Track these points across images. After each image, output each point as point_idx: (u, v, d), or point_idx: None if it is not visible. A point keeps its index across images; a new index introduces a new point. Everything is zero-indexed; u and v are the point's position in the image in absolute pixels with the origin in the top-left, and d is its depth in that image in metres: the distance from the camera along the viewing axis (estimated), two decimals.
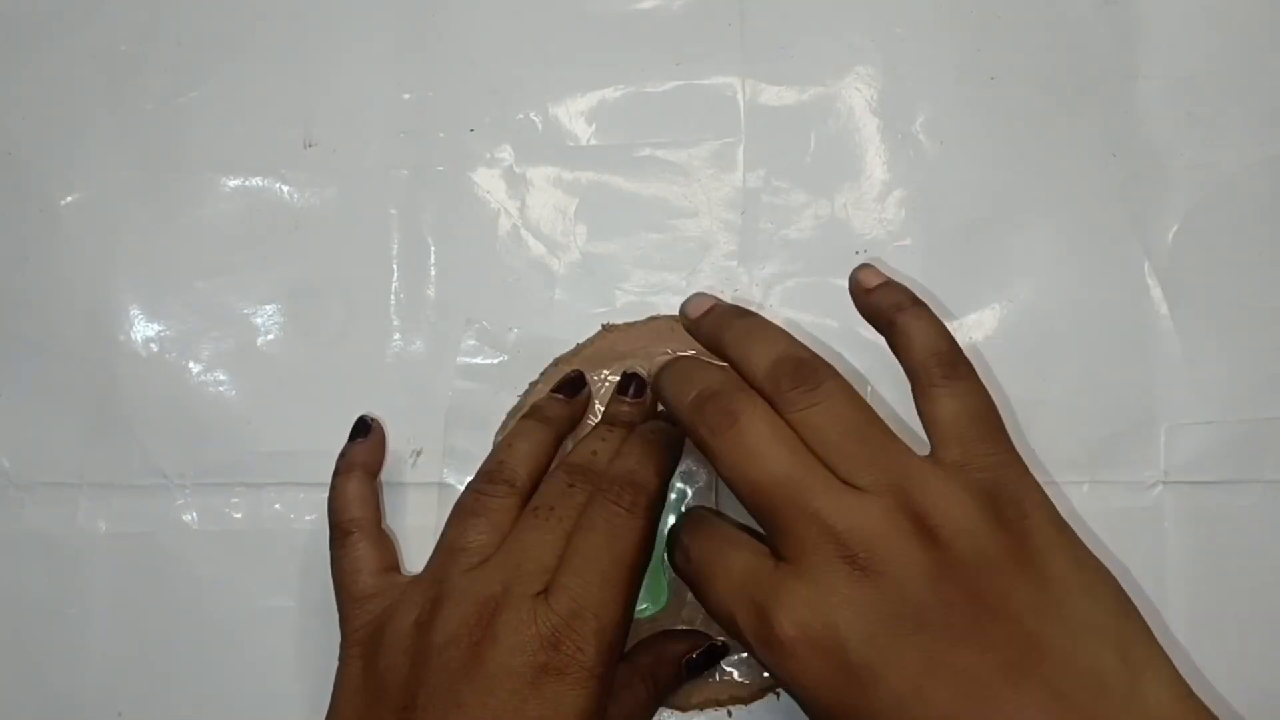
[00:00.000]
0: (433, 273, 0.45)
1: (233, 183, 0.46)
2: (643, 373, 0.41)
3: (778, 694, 0.41)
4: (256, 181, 0.46)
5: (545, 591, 0.34)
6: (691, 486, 0.42)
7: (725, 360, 0.35)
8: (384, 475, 0.42)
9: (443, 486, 0.43)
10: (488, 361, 0.44)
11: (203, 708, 0.43)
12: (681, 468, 0.40)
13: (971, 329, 0.43)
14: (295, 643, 0.43)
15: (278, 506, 0.44)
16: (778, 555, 0.32)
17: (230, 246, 0.45)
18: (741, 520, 0.35)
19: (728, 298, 0.44)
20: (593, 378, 0.42)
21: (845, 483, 0.31)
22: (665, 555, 0.39)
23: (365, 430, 0.42)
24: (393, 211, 0.45)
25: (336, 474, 0.41)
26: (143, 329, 0.45)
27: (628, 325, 0.43)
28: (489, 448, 0.42)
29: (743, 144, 0.45)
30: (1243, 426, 0.42)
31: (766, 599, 0.31)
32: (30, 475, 0.44)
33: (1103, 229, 0.43)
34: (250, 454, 0.44)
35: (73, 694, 0.43)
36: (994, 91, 0.44)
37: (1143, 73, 0.44)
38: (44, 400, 0.45)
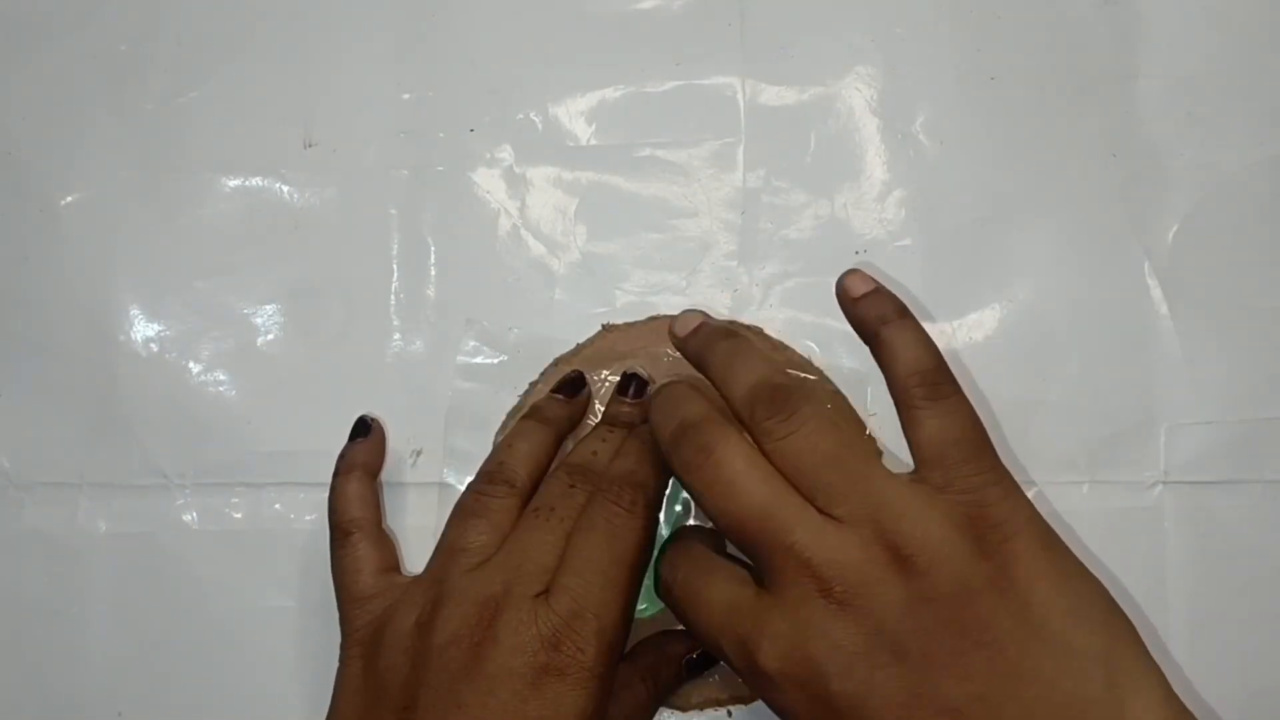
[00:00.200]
0: (433, 273, 0.45)
1: (233, 183, 0.46)
2: (643, 373, 0.41)
3: None
4: (256, 181, 0.46)
5: (546, 592, 0.34)
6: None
7: (711, 382, 0.36)
8: (384, 475, 0.42)
9: (443, 486, 0.43)
10: (488, 361, 0.44)
11: (203, 708, 0.43)
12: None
13: (971, 329, 0.43)
14: (295, 643, 0.43)
15: (278, 506, 0.44)
16: (760, 584, 0.32)
17: (230, 246, 0.45)
18: None
19: (728, 298, 0.44)
20: (592, 378, 0.42)
21: (823, 512, 0.31)
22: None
23: (365, 430, 0.42)
24: (393, 211, 0.45)
25: (336, 474, 0.41)
26: (143, 329, 0.45)
27: (628, 325, 0.43)
28: (489, 448, 0.42)
29: (743, 144, 0.45)
30: (1243, 426, 0.42)
31: (749, 631, 0.31)
32: (30, 475, 0.44)
33: (1103, 229, 0.43)
34: (250, 454, 0.44)
35: (73, 694, 0.43)
36: (994, 91, 0.44)
37: (1143, 73, 0.44)
38: (44, 400, 0.45)
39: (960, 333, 0.43)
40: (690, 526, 0.40)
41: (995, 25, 0.45)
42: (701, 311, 0.38)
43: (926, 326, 0.42)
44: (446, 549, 0.37)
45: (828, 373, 0.42)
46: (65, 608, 0.44)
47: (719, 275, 0.44)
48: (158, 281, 0.45)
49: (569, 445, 0.41)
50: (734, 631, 0.32)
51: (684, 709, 0.41)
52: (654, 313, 0.44)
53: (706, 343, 0.36)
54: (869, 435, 0.42)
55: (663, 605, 0.40)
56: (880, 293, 0.35)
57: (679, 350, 0.38)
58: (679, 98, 0.45)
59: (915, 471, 0.32)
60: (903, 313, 0.34)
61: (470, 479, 0.38)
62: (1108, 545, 0.41)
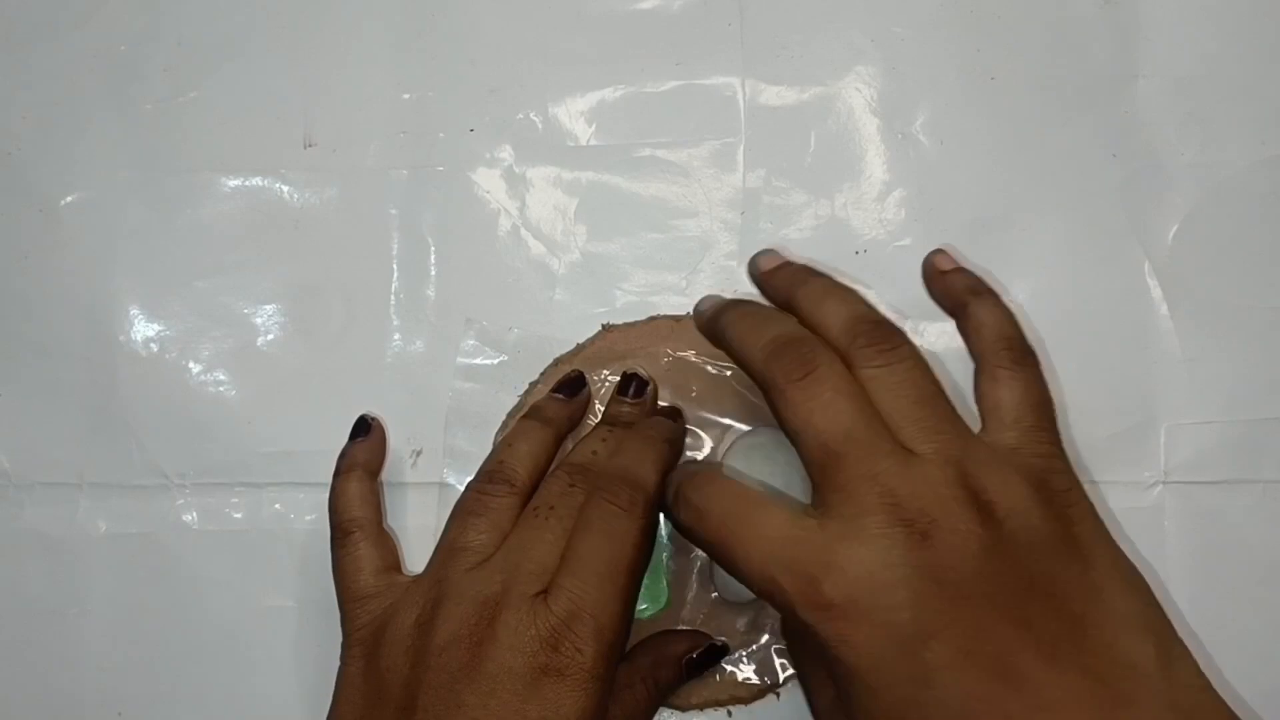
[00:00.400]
0: (433, 273, 0.45)
1: (233, 183, 0.46)
2: (642, 373, 0.41)
3: (777, 694, 0.41)
4: (256, 181, 0.46)
5: (545, 592, 0.34)
6: None
7: (797, 315, 0.35)
8: (384, 475, 0.42)
9: (443, 486, 0.43)
10: (488, 361, 0.44)
11: (203, 708, 0.43)
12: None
13: None
14: (295, 643, 0.43)
15: (278, 506, 0.44)
16: (821, 514, 0.31)
17: (230, 246, 0.45)
18: None
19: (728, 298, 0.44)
20: (592, 378, 0.42)
21: (906, 447, 0.31)
22: (665, 559, 0.39)
23: (366, 430, 0.42)
24: (393, 211, 0.45)
25: (337, 474, 0.41)
26: (143, 329, 0.45)
27: (628, 325, 0.43)
28: (489, 448, 0.42)
29: (743, 144, 0.45)
30: (1243, 426, 0.42)
31: (814, 560, 0.30)
32: (30, 475, 0.44)
33: (1103, 229, 0.43)
34: (250, 454, 0.44)
35: (73, 694, 0.43)
36: (994, 91, 0.44)
37: (1143, 73, 0.44)
38: (44, 400, 0.45)
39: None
40: (706, 462, 0.38)
41: (995, 25, 0.45)
42: (776, 251, 0.38)
43: (927, 326, 0.43)
44: (446, 548, 0.37)
45: None
46: (65, 608, 0.44)
47: (719, 275, 0.44)
48: (158, 281, 0.45)
49: (569, 446, 0.41)
50: (793, 560, 0.31)
51: (683, 709, 0.41)
52: (654, 313, 0.44)
53: (798, 278, 0.36)
54: None
55: (663, 604, 0.40)
56: (967, 270, 0.37)
57: (760, 287, 0.37)
58: (679, 98, 0.45)
59: (984, 432, 0.33)
60: (989, 289, 0.36)
61: (470, 479, 0.38)
62: None
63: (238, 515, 0.44)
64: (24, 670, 0.44)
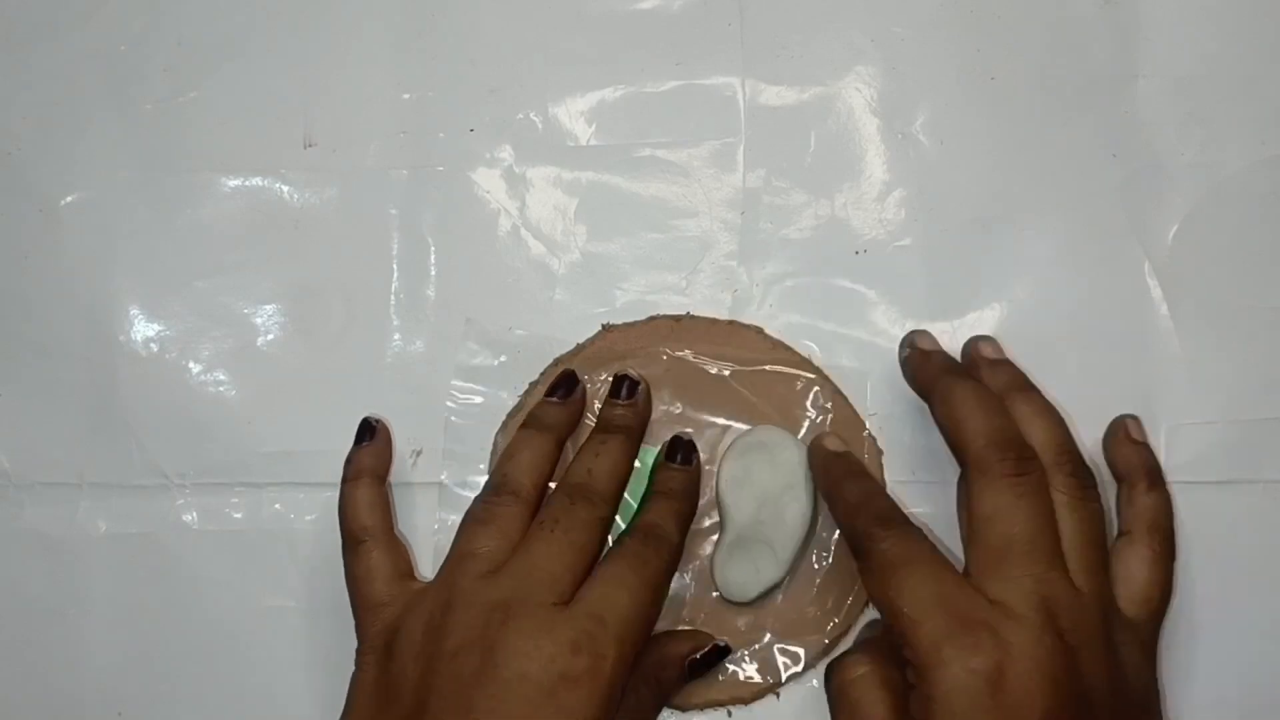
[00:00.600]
0: (433, 273, 0.45)
1: (233, 183, 0.46)
2: (633, 374, 0.41)
3: (777, 694, 0.41)
4: (256, 181, 0.46)
5: (563, 602, 0.35)
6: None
7: (1019, 412, 0.37)
8: (388, 484, 0.42)
9: (443, 487, 0.43)
10: (488, 362, 0.44)
11: (203, 708, 0.43)
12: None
13: (971, 329, 0.43)
14: (295, 643, 0.43)
15: (278, 506, 0.44)
16: (978, 584, 0.34)
17: (230, 246, 0.45)
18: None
19: (728, 298, 0.44)
20: (594, 378, 0.42)
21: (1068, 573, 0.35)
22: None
23: (370, 433, 0.42)
24: (393, 211, 0.45)
25: (345, 481, 0.41)
26: (143, 329, 0.45)
27: (627, 325, 0.43)
28: (489, 448, 0.43)
29: (743, 144, 0.45)
30: (1243, 426, 0.42)
31: (978, 618, 0.32)
32: (30, 475, 0.44)
33: (1103, 229, 0.43)
34: (250, 454, 0.44)
35: (73, 694, 0.43)
36: (994, 91, 0.44)
37: (1143, 73, 0.44)
38: (44, 400, 0.45)
39: (960, 333, 0.43)
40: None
41: (995, 25, 0.45)
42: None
43: (927, 326, 0.43)
44: (456, 555, 0.37)
45: (827, 373, 0.42)
46: (65, 608, 0.44)
47: (719, 275, 0.44)
48: (158, 281, 0.45)
49: (570, 447, 0.42)
50: (960, 610, 0.33)
51: (684, 709, 0.41)
52: (654, 313, 0.44)
53: (1018, 382, 0.39)
54: (868, 435, 0.42)
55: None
56: (1149, 449, 0.40)
57: (979, 366, 0.40)
58: (679, 98, 0.45)
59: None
60: (1161, 477, 0.39)
61: (470, 479, 0.39)
62: (1108, 545, 0.41)
63: (238, 515, 0.44)
64: (24, 670, 0.44)
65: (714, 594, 0.41)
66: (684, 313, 0.43)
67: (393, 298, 0.45)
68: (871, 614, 0.41)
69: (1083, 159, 0.44)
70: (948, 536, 0.40)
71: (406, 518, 0.43)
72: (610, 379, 0.42)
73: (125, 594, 0.44)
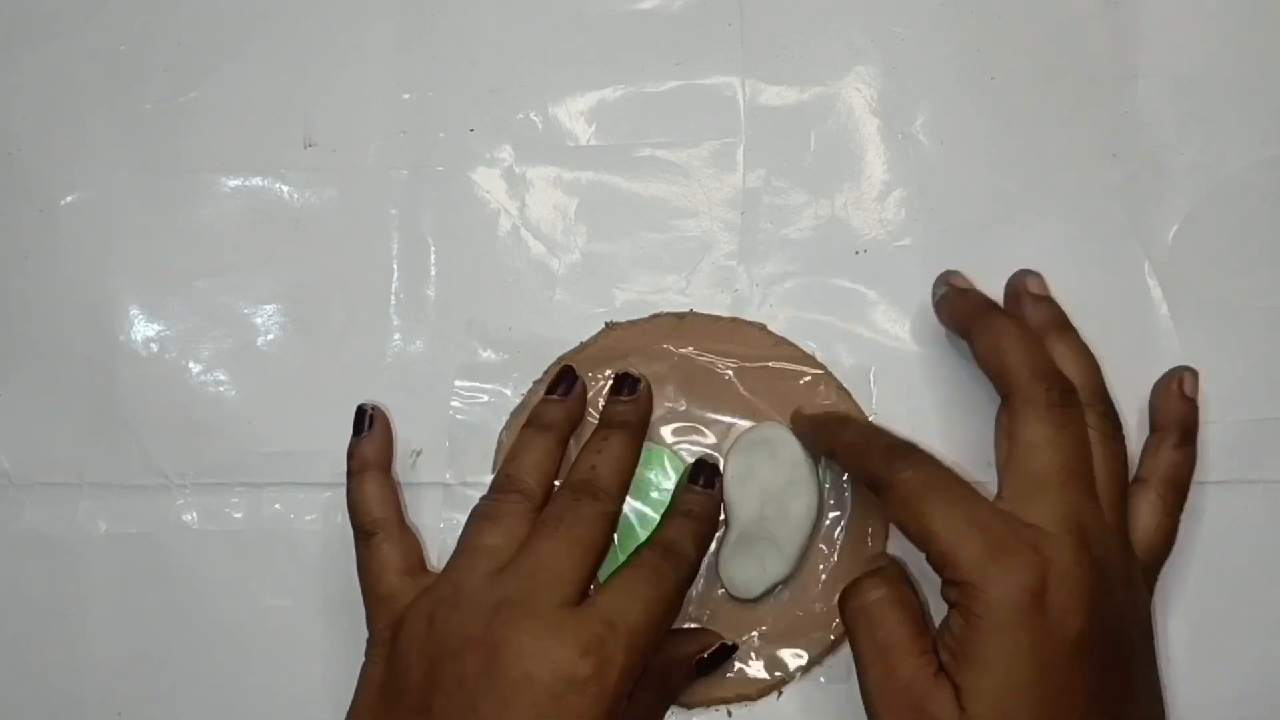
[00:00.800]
0: (433, 273, 0.45)
1: (233, 183, 0.46)
2: (634, 372, 0.41)
3: (780, 692, 0.41)
4: (256, 181, 0.46)
5: (571, 602, 0.35)
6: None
7: (1058, 354, 0.38)
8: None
9: (445, 486, 0.43)
10: (490, 361, 0.44)
11: (203, 708, 0.43)
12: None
13: None
14: (295, 643, 0.43)
15: (278, 506, 0.44)
16: (1015, 510, 0.34)
17: (230, 246, 0.45)
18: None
19: (728, 298, 0.44)
20: (599, 376, 0.42)
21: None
22: None
23: (369, 422, 0.42)
24: (393, 211, 0.45)
25: (351, 474, 0.41)
26: (143, 329, 0.45)
27: (630, 323, 0.43)
28: (491, 447, 0.43)
29: (743, 144, 0.45)
30: (1243, 426, 0.42)
31: (1012, 537, 0.33)
32: (30, 475, 0.44)
33: (1103, 229, 0.43)
34: (250, 454, 0.44)
35: (73, 694, 0.43)
36: (994, 91, 0.44)
37: (1143, 73, 0.44)
38: (44, 400, 0.45)
39: None
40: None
41: (995, 25, 0.45)
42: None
43: (927, 326, 0.43)
44: (462, 551, 0.38)
45: (830, 369, 0.42)
46: (65, 608, 0.44)
47: (719, 275, 0.44)
48: (158, 281, 0.45)
49: (573, 445, 0.42)
50: (995, 535, 0.33)
51: (688, 706, 0.41)
52: (654, 312, 0.44)
53: (1059, 322, 0.40)
54: None
55: None
56: (1195, 406, 0.40)
57: (1016, 301, 0.41)
58: (679, 98, 0.45)
59: (1129, 521, 0.37)
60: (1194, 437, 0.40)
61: (475, 478, 0.39)
62: None
63: (238, 515, 0.44)
64: (24, 670, 0.44)
65: (720, 591, 0.41)
66: (687, 310, 0.43)
67: (393, 298, 0.45)
68: None
69: (1083, 159, 0.44)
70: None
71: (406, 517, 0.43)
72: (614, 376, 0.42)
73: (125, 594, 0.44)
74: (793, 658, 0.41)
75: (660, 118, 0.45)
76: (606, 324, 0.44)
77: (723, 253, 0.44)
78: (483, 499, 0.39)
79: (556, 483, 0.40)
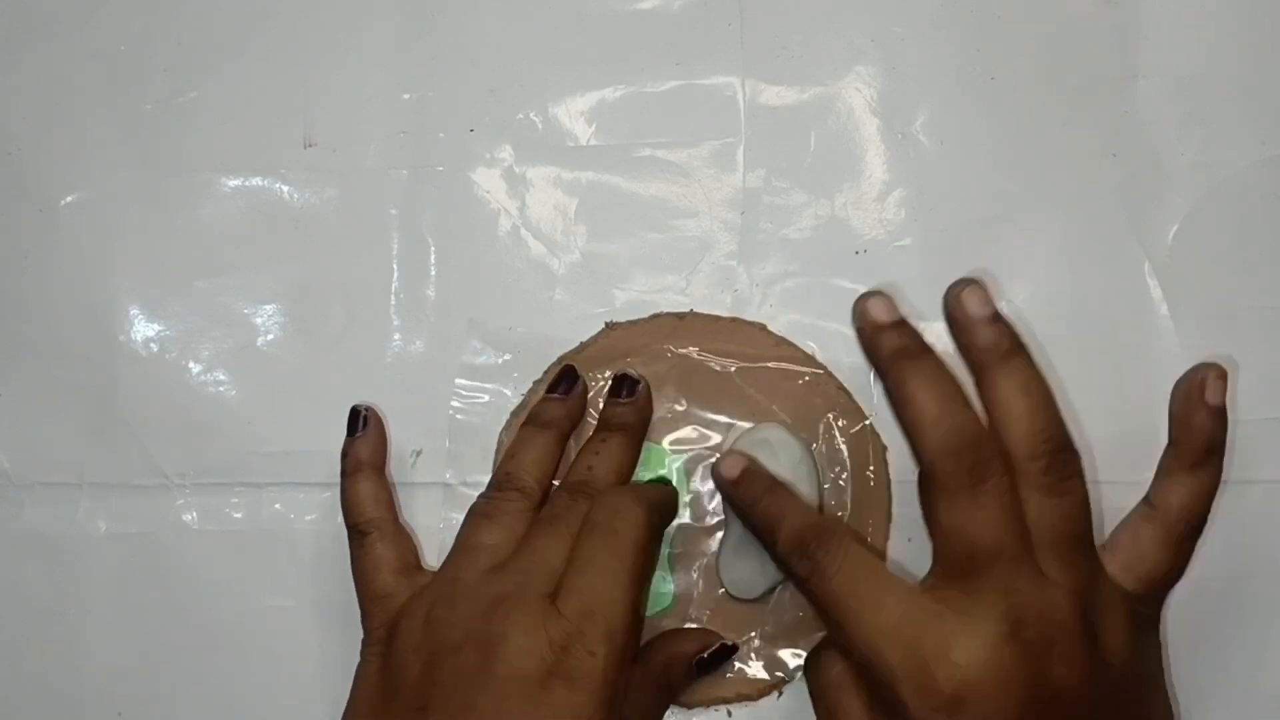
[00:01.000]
0: (433, 273, 0.45)
1: (233, 183, 0.46)
2: (634, 374, 0.41)
3: (780, 691, 0.41)
4: (256, 181, 0.46)
5: (554, 595, 0.34)
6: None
7: (981, 391, 0.35)
8: (387, 474, 0.42)
9: (445, 486, 0.43)
10: (492, 360, 0.44)
11: (203, 708, 0.43)
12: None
13: None
14: (295, 643, 0.43)
15: (278, 506, 0.44)
16: (943, 604, 0.32)
17: (230, 246, 0.45)
18: None
19: (728, 298, 0.44)
20: (598, 376, 0.42)
21: (1040, 568, 0.33)
22: (668, 557, 0.39)
23: (362, 423, 0.42)
24: (393, 211, 0.45)
25: (344, 474, 0.41)
26: (143, 329, 0.45)
27: (630, 323, 0.43)
28: (491, 447, 0.43)
29: (743, 144, 0.45)
30: (1243, 426, 0.42)
31: (931, 647, 0.32)
32: (30, 475, 0.44)
33: (1103, 229, 0.43)
34: (250, 454, 0.44)
35: (73, 694, 0.43)
36: (994, 91, 0.44)
37: (1143, 73, 0.44)
38: (44, 400, 0.45)
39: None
40: (826, 516, 0.38)
41: (995, 25, 0.45)
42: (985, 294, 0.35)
43: (927, 326, 0.43)
44: (460, 548, 0.38)
45: (830, 369, 0.42)
46: (65, 608, 0.44)
47: (719, 275, 0.44)
48: (158, 281, 0.45)
49: (573, 445, 0.42)
50: (912, 642, 0.32)
51: (688, 706, 0.41)
52: (654, 312, 0.44)
53: (1000, 352, 0.34)
54: (870, 427, 0.42)
55: (668, 605, 0.40)
56: (1218, 433, 0.35)
57: (956, 326, 0.35)
58: (679, 98, 0.45)
59: (1114, 557, 0.35)
60: (1217, 467, 0.35)
61: (475, 477, 0.39)
62: None
63: (238, 515, 0.44)
64: (24, 670, 0.44)
65: (720, 591, 0.41)
66: (687, 310, 0.43)
67: (393, 298, 0.45)
68: None
69: (1083, 159, 0.44)
70: None
71: (408, 518, 0.43)
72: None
73: (125, 594, 0.44)
74: (793, 658, 0.41)
75: (660, 118, 0.45)
76: (606, 324, 0.44)
77: (723, 253, 0.44)
78: (481, 497, 0.39)
79: (556, 482, 0.40)
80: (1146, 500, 0.36)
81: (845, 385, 0.42)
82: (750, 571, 0.40)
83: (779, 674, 0.41)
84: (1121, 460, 0.42)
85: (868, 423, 0.42)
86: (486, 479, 0.40)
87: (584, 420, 0.42)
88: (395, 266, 0.45)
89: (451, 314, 0.44)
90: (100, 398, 0.44)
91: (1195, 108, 0.44)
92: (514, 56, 0.46)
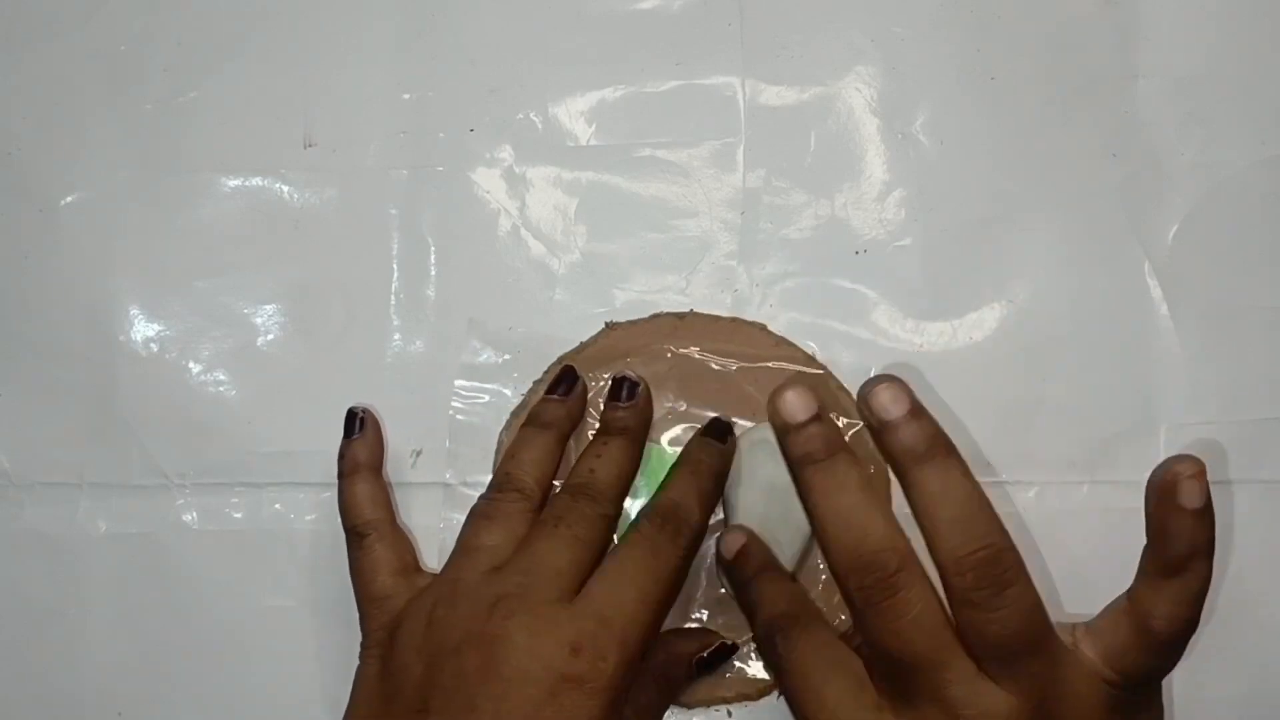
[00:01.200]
0: (433, 273, 0.45)
1: (233, 183, 0.46)
2: (632, 375, 0.41)
3: (780, 693, 0.41)
4: (256, 181, 0.46)
5: (568, 598, 0.35)
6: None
7: (906, 489, 0.32)
8: (385, 476, 0.42)
9: (445, 487, 0.43)
10: (491, 361, 0.44)
11: (202, 708, 0.43)
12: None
13: (971, 329, 0.43)
14: (295, 642, 0.43)
15: (278, 506, 0.44)
16: (888, 706, 0.32)
17: (230, 246, 0.45)
18: None
19: (728, 298, 0.44)
20: (598, 376, 0.42)
21: (985, 672, 0.32)
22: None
23: (359, 425, 0.42)
24: (393, 211, 0.45)
25: (341, 476, 0.41)
26: (143, 329, 0.45)
27: (630, 323, 0.43)
28: (492, 448, 0.43)
29: (743, 144, 0.45)
30: (1243, 426, 0.42)
31: None
32: (30, 475, 0.44)
33: (1103, 229, 0.43)
34: (250, 454, 0.44)
35: (73, 694, 0.43)
36: (994, 91, 0.44)
37: (1143, 73, 0.44)
38: (44, 400, 0.45)
39: (960, 333, 0.43)
40: (798, 603, 0.37)
41: (995, 25, 0.45)
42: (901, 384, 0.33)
43: (927, 326, 0.43)
44: (460, 549, 0.38)
45: (830, 369, 0.42)
46: (65, 608, 0.44)
47: (719, 275, 0.44)
48: (158, 281, 0.45)
49: (573, 445, 0.42)
50: None
51: (689, 706, 0.41)
52: (654, 312, 0.44)
53: (926, 453, 0.32)
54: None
55: None
56: (1209, 523, 0.31)
57: (876, 429, 0.33)
58: (679, 98, 0.45)
59: (1097, 637, 0.33)
60: (1210, 554, 0.32)
61: (475, 477, 0.39)
62: (1108, 545, 0.41)
63: (238, 515, 0.44)
64: (24, 670, 0.44)
65: (721, 590, 0.41)
66: (687, 310, 0.43)
67: (393, 298, 0.45)
68: None
69: (1083, 159, 0.44)
70: None
71: (407, 518, 0.43)
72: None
73: (125, 594, 0.44)
74: None
75: (660, 118, 0.45)
76: (606, 324, 0.44)
77: (723, 253, 0.44)
78: (481, 498, 0.39)
79: (556, 483, 0.40)
80: (1129, 593, 0.33)
81: (845, 385, 0.42)
82: None
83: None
84: (1121, 460, 0.42)
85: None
86: (486, 479, 0.40)
87: (584, 420, 0.42)
88: (395, 266, 0.45)
89: (451, 314, 0.44)
90: (100, 398, 0.44)
91: (1195, 108, 0.44)
92: (514, 56, 0.46)
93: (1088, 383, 0.42)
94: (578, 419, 0.42)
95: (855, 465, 0.33)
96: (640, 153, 0.45)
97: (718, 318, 0.43)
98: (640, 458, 0.41)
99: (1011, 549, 0.31)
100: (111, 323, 0.45)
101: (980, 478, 0.39)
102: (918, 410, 0.32)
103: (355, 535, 0.40)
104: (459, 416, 0.43)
